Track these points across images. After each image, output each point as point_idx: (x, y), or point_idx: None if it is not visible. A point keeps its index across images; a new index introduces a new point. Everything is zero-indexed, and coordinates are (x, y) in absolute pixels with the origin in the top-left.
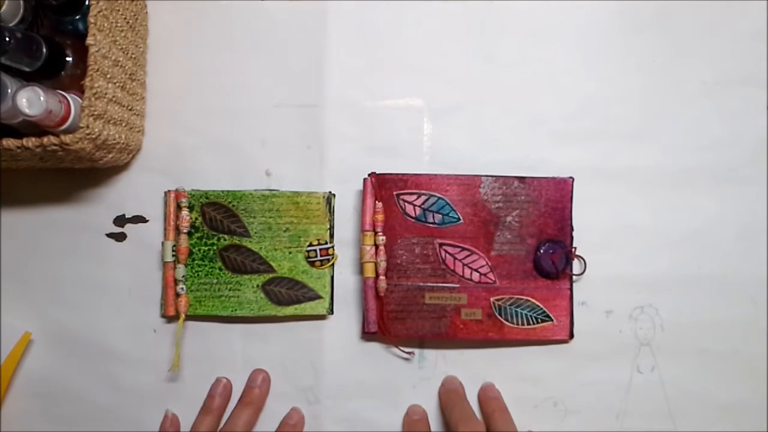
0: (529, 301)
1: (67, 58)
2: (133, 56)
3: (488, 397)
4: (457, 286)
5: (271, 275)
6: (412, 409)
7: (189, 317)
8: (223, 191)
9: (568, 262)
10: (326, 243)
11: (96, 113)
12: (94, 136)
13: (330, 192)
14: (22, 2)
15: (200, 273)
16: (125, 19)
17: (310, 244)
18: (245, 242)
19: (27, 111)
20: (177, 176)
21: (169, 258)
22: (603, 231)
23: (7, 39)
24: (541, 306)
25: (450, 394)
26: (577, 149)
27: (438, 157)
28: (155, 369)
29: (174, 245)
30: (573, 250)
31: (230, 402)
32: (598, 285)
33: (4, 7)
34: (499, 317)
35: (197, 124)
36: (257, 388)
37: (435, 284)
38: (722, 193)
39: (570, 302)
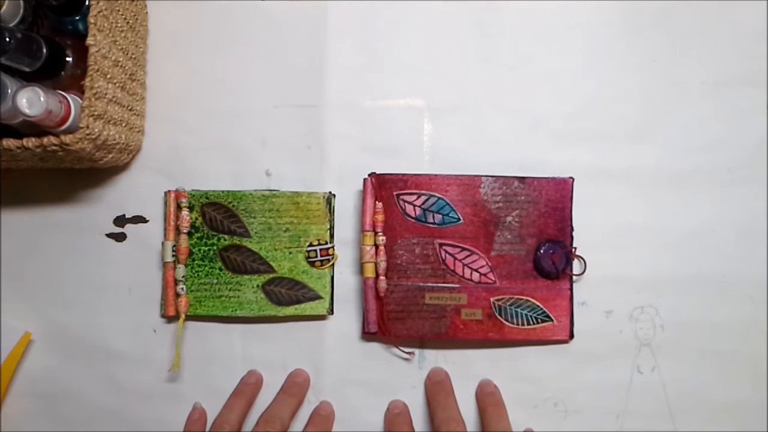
0: (529, 301)
1: (67, 58)
2: (133, 56)
3: (484, 392)
4: (457, 286)
5: (271, 275)
6: (393, 404)
7: (189, 317)
8: (223, 191)
9: (568, 262)
10: (326, 243)
11: (96, 113)
12: (94, 137)
13: (330, 192)
14: (22, 2)
15: (200, 273)
16: (125, 19)
17: (310, 244)
18: (245, 242)
19: (27, 111)
20: (177, 176)
21: (169, 258)
22: (603, 231)
23: (7, 39)
24: (541, 306)
25: (435, 387)
26: (577, 149)
27: (438, 157)
28: (155, 369)
29: (174, 245)
30: (573, 250)
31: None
32: (598, 285)
33: (4, 7)
34: (499, 317)
35: (197, 124)
36: (300, 381)
37: (435, 284)
38: (722, 193)
39: (570, 302)
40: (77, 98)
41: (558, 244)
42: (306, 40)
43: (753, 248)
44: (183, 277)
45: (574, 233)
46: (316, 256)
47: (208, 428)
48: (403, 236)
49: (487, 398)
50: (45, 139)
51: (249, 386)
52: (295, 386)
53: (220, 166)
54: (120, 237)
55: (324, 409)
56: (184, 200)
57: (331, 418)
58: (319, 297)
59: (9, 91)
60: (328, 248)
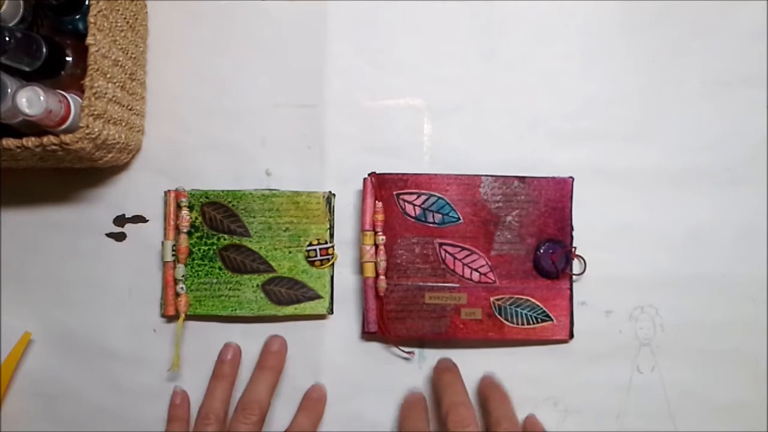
0: (529, 300)
1: (67, 58)
2: (133, 56)
3: (485, 384)
4: (457, 285)
5: (271, 275)
6: (410, 395)
7: (189, 317)
8: (223, 191)
9: (568, 262)
10: (326, 243)
11: (96, 113)
12: (94, 136)
13: (330, 192)
14: (22, 2)
15: (200, 273)
16: (125, 18)
17: (310, 244)
18: (245, 242)
19: (27, 111)
20: (177, 176)
21: (169, 258)
22: (603, 231)
23: (7, 39)
24: (541, 306)
25: (442, 374)
26: (577, 149)
27: (438, 157)
28: (155, 369)
29: (174, 245)
30: (573, 249)
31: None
32: (598, 285)
33: (4, 7)
34: (499, 317)
35: (197, 124)
36: (276, 353)
37: (435, 284)
38: (722, 193)
39: (570, 302)
40: (77, 98)
41: (558, 243)
42: (306, 40)
43: (753, 248)
44: (183, 276)
45: (574, 233)
46: (316, 256)
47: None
48: (403, 236)
49: (489, 386)
50: (45, 139)
51: (226, 365)
52: (271, 357)
53: (220, 166)
54: (120, 237)
55: (316, 391)
56: (184, 200)
57: (323, 401)
58: (318, 297)
59: (9, 90)
60: (328, 248)
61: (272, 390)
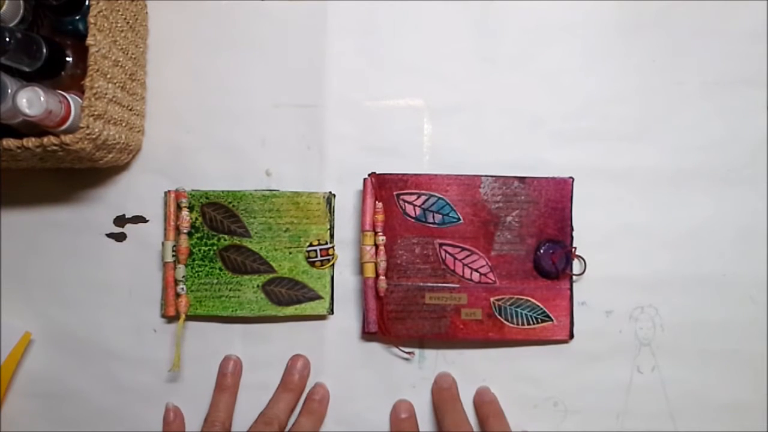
0: (529, 301)
1: (67, 58)
2: (133, 56)
3: (483, 401)
4: (457, 286)
5: (271, 275)
6: (398, 406)
7: (189, 317)
8: (223, 191)
9: (568, 262)
10: (326, 243)
11: (96, 113)
12: (94, 136)
13: (330, 192)
14: (22, 2)
15: (200, 273)
16: (125, 19)
17: (311, 244)
18: (245, 242)
19: (27, 111)
20: (177, 176)
21: (170, 258)
22: (603, 231)
23: (8, 39)
24: (541, 306)
25: (442, 394)
26: (577, 149)
27: (438, 157)
28: (155, 369)
29: (174, 245)
30: (573, 250)
31: None
32: (598, 285)
33: (4, 7)
34: (499, 317)
35: (197, 124)
36: (297, 374)
37: (435, 284)
38: (722, 193)
39: (570, 302)
40: (77, 98)
41: (558, 244)
42: (306, 40)
43: (753, 248)
44: (183, 277)
45: (574, 233)
46: (316, 256)
47: (188, 427)
48: (403, 236)
49: (487, 407)
50: (45, 139)
51: (228, 377)
52: (293, 382)
53: (220, 166)
54: (120, 237)
55: (318, 393)
56: (184, 200)
57: (325, 403)
58: (319, 297)
59: (9, 91)
60: (328, 248)
61: (292, 410)
